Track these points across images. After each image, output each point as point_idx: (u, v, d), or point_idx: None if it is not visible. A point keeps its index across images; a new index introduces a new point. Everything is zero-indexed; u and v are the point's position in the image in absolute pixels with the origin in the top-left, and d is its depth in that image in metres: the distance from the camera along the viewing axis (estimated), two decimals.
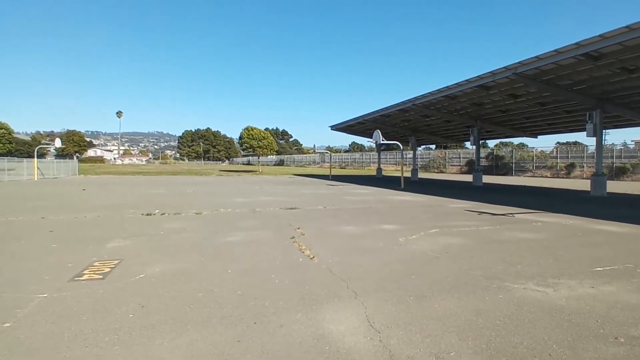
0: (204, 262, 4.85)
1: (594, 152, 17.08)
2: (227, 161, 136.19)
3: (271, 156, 59.46)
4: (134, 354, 2.56)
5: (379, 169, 36.57)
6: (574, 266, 4.77)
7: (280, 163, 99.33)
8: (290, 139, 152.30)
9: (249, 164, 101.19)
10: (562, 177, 36.50)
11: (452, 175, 43.83)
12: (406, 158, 47.63)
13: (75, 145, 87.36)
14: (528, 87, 16.60)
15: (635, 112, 17.20)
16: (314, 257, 5.13)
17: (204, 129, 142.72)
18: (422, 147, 59.59)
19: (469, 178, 28.39)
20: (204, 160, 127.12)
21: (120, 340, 2.74)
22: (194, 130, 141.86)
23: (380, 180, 27.74)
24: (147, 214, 8.99)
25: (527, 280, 4.14)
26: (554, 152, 41.47)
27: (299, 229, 7.27)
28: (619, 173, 32.85)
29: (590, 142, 19.75)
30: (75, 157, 33.78)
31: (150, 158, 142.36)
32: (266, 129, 78.53)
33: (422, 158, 57.03)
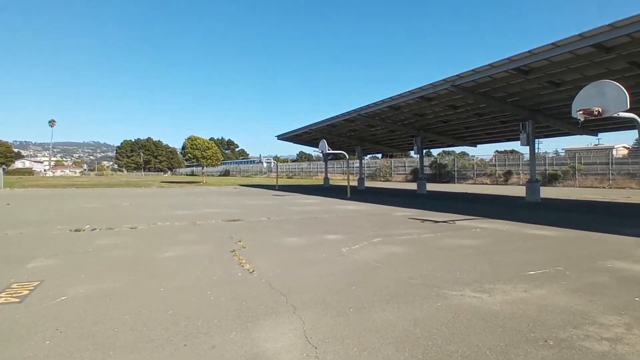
0: (135, 281, 4.50)
1: (528, 160, 18.41)
2: (169, 172, 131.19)
3: (216, 166, 57.83)
4: None
5: (326, 179, 36.87)
6: (509, 271, 4.96)
7: (226, 173, 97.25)
8: (237, 149, 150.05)
9: (192, 174, 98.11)
10: (501, 184, 38.89)
11: (397, 183, 45.22)
12: (353, 167, 48.54)
13: (1, 156, 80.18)
14: (466, 98, 17.50)
15: (563, 122, 18.71)
16: (253, 270, 4.94)
17: (145, 138, 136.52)
18: (369, 156, 61.09)
19: (413, 186, 29.39)
20: (144, 171, 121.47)
21: None
22: (133, 140, 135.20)
23: (327, 190, 27.94)
24: (76, 230, 8.28)
25: (465, 287, 4.24)
26: (493, 160, 44.19)
27: (240, 241, 7.03)
28: (552, 179, 35.60)
29: (525, 150, 21.35)
30: (0, 169, 30.67)
31: (85, 169, 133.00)
32: (211, 139, 76.57)
33: (369, 167, 58.43)
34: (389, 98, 19.89)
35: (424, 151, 30.40)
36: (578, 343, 2.85)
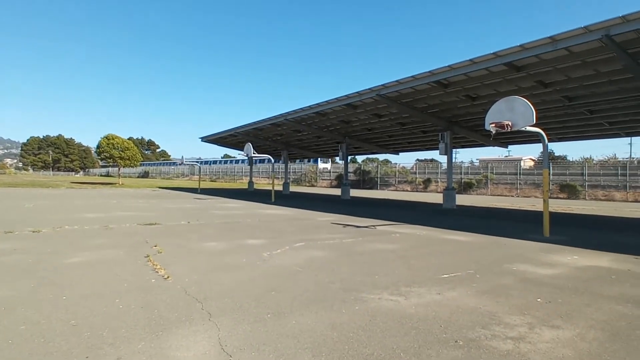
0: (35, 288, 4.07)
1: (446, 169, 19.80)
2: (81, 172, 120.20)
3: (135, 168, 54.06)
4: None
5: (251, 182, 36.33)
6: (425, 274, 5.21)
7: (145, 175, 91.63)
8: (158, 150, 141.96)
9: (108, 175, 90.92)
10: (420, 191, 41.24)
11: (323, 189, 46.01)
12: (279, 171, 48.46)
13: None
14: (390, 108, 18.18)
15: (478, 134, 20.18)
16: (169, 277, 4.69)
17: (55, 135, 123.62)
18: (298, 160, 61.40)
19: (338, 192, 30.09)
20: (53, 170, 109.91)
21: None
22: (42, 137, 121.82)
23: (251, 194, 27.54)
24: None
25: (382, 290, 4.38)
26: (414, 168, 46.65)
27: (156, 246, 6.64)
28: (467, 187, 38.65)
29: (444, 159, 23.01)
30: None
31: None
32: (130, 138, 71.66)
33: (295, 172, 58.70)
34: (316, 104, 20.17)
35: (349, 157, 31.33)
36: (485, 342, 3.04)
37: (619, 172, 32.16)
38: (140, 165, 78.08)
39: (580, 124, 17.99)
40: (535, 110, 8.67)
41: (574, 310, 3.85)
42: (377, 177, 47.70)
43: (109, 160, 38.82)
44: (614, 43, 9.86)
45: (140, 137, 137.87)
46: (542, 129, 9.09)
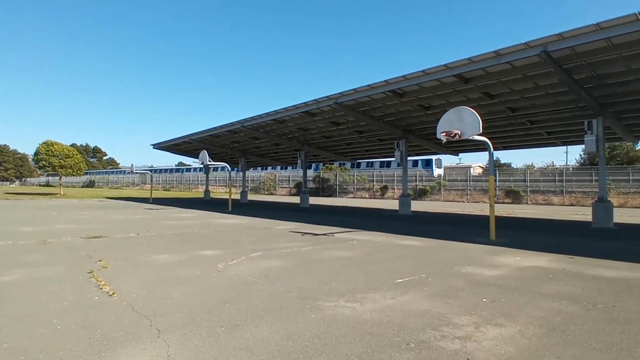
0: None
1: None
2: (17, 182, 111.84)
3: (79, 176, 51.06)
4: None
5: (207, 191, 35.48)
6: (380, 280, 5.30)
7: (91, 184, 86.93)
8: (105, 157, 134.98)
9: (48, 185, 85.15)
10: (378, 198, 42.12)
11: (282, 197, 45.80)
12: (236, 180, 47.69)
13: None
14: (348, 116, 18.50)
15: (431, 142, 20.95)
16: (114, 293, 4.45)
17: None
18: (259, 168, 60.64)
19: (297, 200, 30.03)
20: None
21: None
22: None
23: (207, 203, 26.89)
24: None
25: (339, 298, 4.40)
26: (372, 176, 47.68)
27: (100, 261, 6.28)
28: (421, 194, 39.95)
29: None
30: None
31: None
32: (73, 145, 67.81)
33: (253, 180, 58.03)
34: (274, 111, 20.11)
35: (308, 165, 31.40)
36: (435, 343, 3.14)
37: (557, 178, 34.64)
38: (85, 174, 73.94)
39: (522, 133, 19.18)
40: (482, 120, 9.16)
41: (515, 309, 4.08)
42: (336, 185, 48.17)
43: (47, 168, 36.40)
44: (551, 58, 10.65)
45: (85, 144, 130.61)
46: (488, 138, 9.60)
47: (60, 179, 40.20)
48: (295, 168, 46.49)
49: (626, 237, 10.94)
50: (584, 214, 19.85)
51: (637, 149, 39.81)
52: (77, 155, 38.53)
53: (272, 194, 53.04)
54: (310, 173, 49.56)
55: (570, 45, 10.12)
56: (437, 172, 45.11)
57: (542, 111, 15.45)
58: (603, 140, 13.26)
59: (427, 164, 45.89)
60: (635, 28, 9.04)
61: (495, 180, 12.05)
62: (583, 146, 14.06)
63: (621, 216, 18.23)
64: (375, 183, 45.43)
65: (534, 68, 11.73)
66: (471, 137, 9.26)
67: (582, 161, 41.79)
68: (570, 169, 36.85)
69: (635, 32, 9.17)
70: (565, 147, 42.85)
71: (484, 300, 4.40)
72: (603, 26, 9.38)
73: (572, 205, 31.07)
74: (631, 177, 31.24)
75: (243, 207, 22.58)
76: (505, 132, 19.16)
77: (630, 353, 3.00)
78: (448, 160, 56.38)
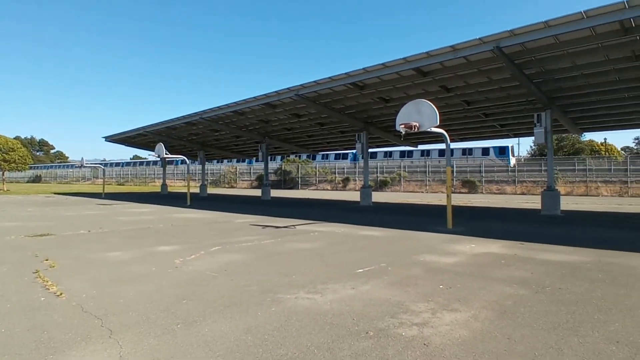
0: None
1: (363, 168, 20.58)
2: None
3: (24, 171, 47.78)
4: None
5: (164, 185, 34.34)
6: (340, 270, 5.34)
7: (37, 179, 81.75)
8: (52, 151, 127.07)
9: None
10: (340, 190, 42.36)
11: (243, 190, 45.14)
12: (195, 173, 46.48)
13: None
14: (309, 108, 18.44)
15: (391, 134, 21.28)
16: (62, 293, 4.19)
17: None
18: (217, 161, 59.30)
19: (258, 193, 29.70)
20: None
21: None
22: None
23: (164, 197, 26.07)
24: None
25: (299, 289, 4.39)
26: (333, 168, 47.90)
27: (47, 260, 5.91)
28: (382, 185, 40.68)
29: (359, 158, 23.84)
30: None
31: None
32: (17, 138, 63.29)
33: (213, 173, 56.78)
34: (234, 103, 19.70)
35: (269, 157, 31.09)
36: (393, 331, 3.20)
37: (509, 169, 36.35)
38: (31, 168, 69.38)
39: (477, 125, 19.94)
40: (440, 112, 9.42)
41: (469, 294, 4.24)
42: (298, 177, 48.07)
43: None
44: (503, 54, 11.10)
45: (30, 137, 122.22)
46: (445, 130, 9.88)
47: (2, 174, 37.45)
48: (257, 161, 45.15)
49: (572, 223, 11.66)
50: (534, 202, 20.90)
51: (582, 140, 42.68)
52: (21, 148, 36.04)
53: (232, 187, 52.15)
54: (273, 165, 49.08)
55: (520, 41, 10.59)
56: (513, 161, 38.27)
57: (495, 104, 16.12)
58: (551, 132, 14.05)
59: (502, 151, 39.03)
60: (581, 26, 9.60)
61: (452, 171, 12.45)
62: (533, 138, 14.82)
63: (567, 204, 19.40)
64: (337, 175, 45.74)
65: (488, 63, 12.18)
66: (429, 129, 9.49)
67: (532, 152, 44.03)
68: (522, 159, 38.66)
69: (581, 29, 9.73)
70: (517, 138, 44.76)
71: (441, 287, 4.54)
72: (551, 24, 9.86)
73: (523, 194, 32.75)
74: (577, 167, 33.48)
75: (202, 201, 22.06)
76: (462, 125, 19.84)
77: (575, 332, 3.19)
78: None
